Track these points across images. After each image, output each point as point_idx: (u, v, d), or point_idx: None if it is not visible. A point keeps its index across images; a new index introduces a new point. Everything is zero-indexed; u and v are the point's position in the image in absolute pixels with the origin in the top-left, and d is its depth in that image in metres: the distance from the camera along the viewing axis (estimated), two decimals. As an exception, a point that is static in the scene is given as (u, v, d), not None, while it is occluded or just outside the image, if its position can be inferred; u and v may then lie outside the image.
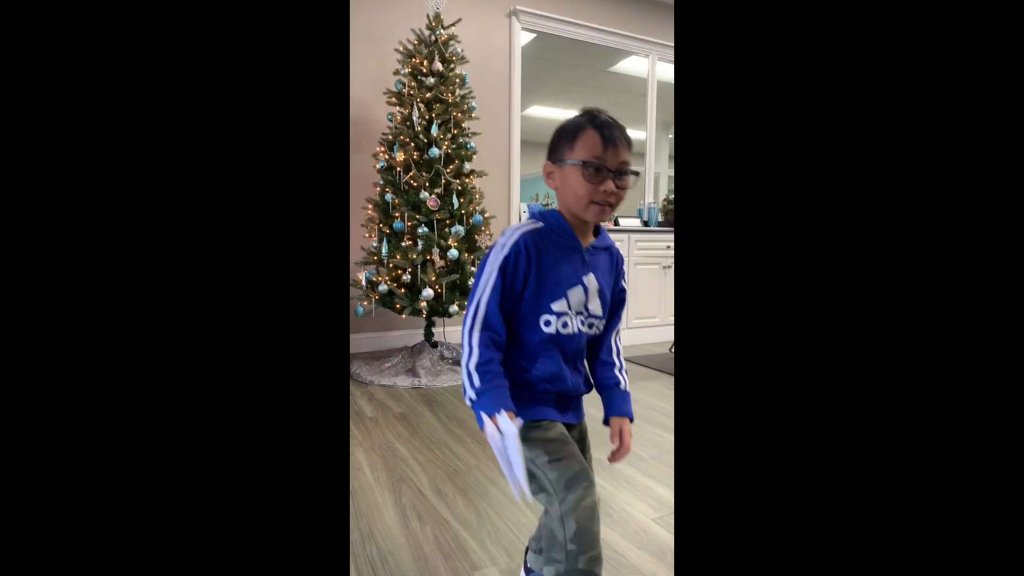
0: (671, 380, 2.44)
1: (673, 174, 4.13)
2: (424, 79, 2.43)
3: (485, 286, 0.76)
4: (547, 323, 0.79)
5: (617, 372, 0.89)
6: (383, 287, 2.33)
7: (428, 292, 2.28)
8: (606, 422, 0.86)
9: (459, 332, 3.09)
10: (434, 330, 2.67)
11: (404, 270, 2.34)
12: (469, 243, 2.52)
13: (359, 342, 2.90)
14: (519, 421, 0.71)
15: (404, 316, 2.40)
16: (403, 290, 2.36)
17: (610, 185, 0.75)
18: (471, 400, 0.73)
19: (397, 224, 2.35)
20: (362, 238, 2.74)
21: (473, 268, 2.49)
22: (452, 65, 2.49)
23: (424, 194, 2.34)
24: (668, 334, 3.36)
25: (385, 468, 1.47)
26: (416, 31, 2.52)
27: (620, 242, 3.13)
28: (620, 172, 0.75)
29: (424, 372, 2.39)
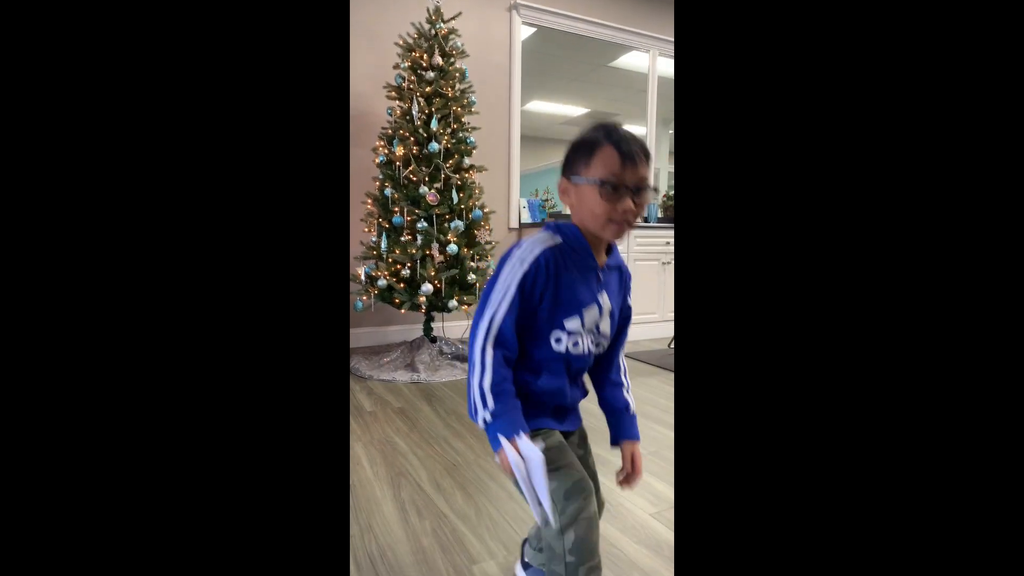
0: (669, 376, 2.45)
1: (673, 170, 4.12)
2: (424, 73, 2.42)
3: (500, 301, 0.72)
4: (558, 340, 0.77)
5: (626, 394, 0.88)
6: (382, 282, 2.33)
7: (427, 287, 2.28)
8: (614, 443, 0.85)
9: (458, 327, 3.11)
10: (433, 325, 2.67)
11: (403, 265, 2.34)
12: (468, 238, 2.51)
13: (358, 337, 2.90)
14: (540, 443, 0.68)
15: (403, 311, 2.40)
16: (402, 285, 2.35)
17: (628, 203, 0.71)
18: (485, 422, 0.70)
19: (396, 219, 2.35)
20: (361, 233, 2.74)
21: (472, 264, 2.48)
22: (452, 59, 2.48)
23: (423, 189, 2.34)
24: (667, 330, 3.36)
25: (384, 462, 1.47)
26: (416, 24, 2.51)
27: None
28: (638, 189, 0.72)
29: (423, 367, 2.39)
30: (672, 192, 4.03)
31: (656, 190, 0.74)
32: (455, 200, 2.39)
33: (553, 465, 0.75)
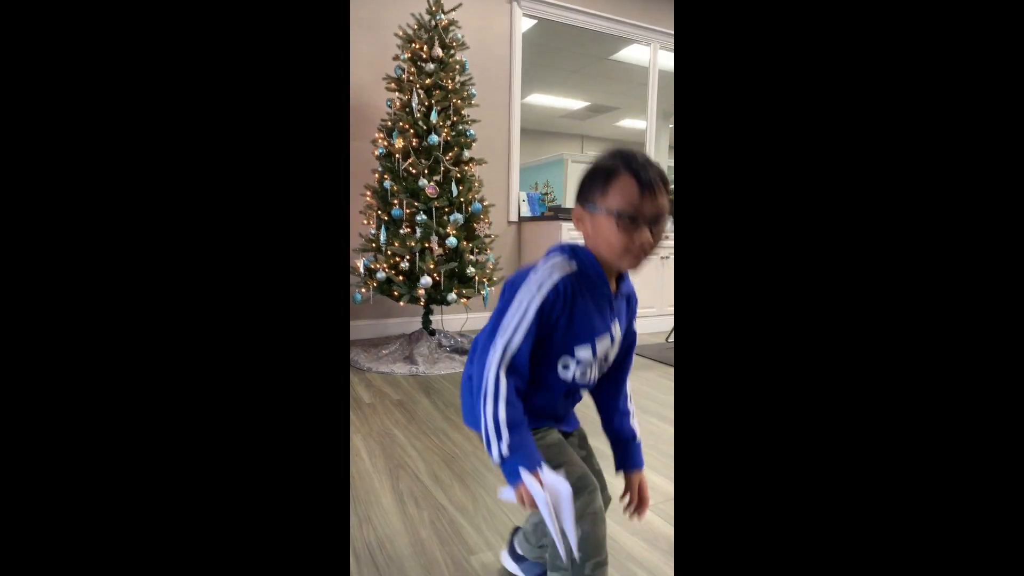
0: (667, 369, 2.46)
1: (673, 164, 4.12)
2: (424, 65, 2.41)
3: (517, 327, 0.70)
4: (566, 367, 0.77)
5: (632, 422, 0.88)
6: (381, 274, 2.33)
7: (426, 280, 2.28)
8: (618, 470, 0.86)
9: (457, 320, 3.11)
10: (432, 318, 2.67)
11: (402, 258, 2.34)
12: (468, 231, 2.51)
13: (357, 329, 2.90)
14: (562, 472, 0.67)
15: (402, 304, 2.40)
16: (401, 278, 2.35)
17: (646, 235, 0.68)
18: (501, 456, 0.66)
19: (395, 211, 2.34)
20: (360, 225, 2.73)
21: (472, 257, 2.48)
22: (452, 51, 2.47)
23: (423, 181, 2.33)
24: (665, 324, 3.37)
25: (383, 454, 1.48)
26: (416, 15, 2.49)
27: (619, 232, 3.12)
28: (656, 219, 0.69)
29: (422, 360, 2.39)
30: (672, 187, 4.02)
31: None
32: (454, 193, 2.39)
33: (555, 461, 0.75)
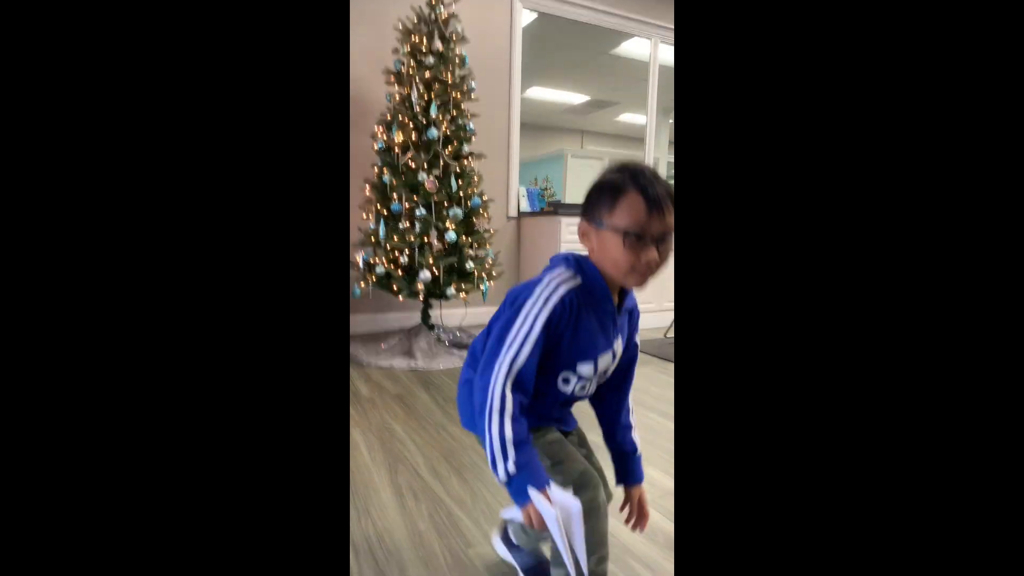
0: (664, 364, 2.46)
1: (673, 160, 4.11)
2: (423, 58, 2.39)
3: (524, 341, 0.68)
4: (566, 381, 0.77)
5: (634, 436, 0.88)
6: (380, 269, 2.33)
7: (425, 275, 2.27)
8: (619, 483, 0.86)
9: (456, 315, 3.11)
10: (431, 312, 2.67)
11: (401, 252, 2.34)
12: (467, 226, 2.51)
13: (356, 323, 2.90)
14: (570, 490, 0.66)
15: (401, 299, 2.40)
16: (400, 272, 2.35)
17: (652, 254, 0.67)
18: (508, 474, 0.65)
19: (394, 206, 2.34)
20: (359, 219, 2.73)
21: (471, 252, 2.48)
22: (452, 44, 2.45)
23: (422, 176, 2.33)
24: (663, 319, 3.38)
25: (381, 448, 1.48)
26: (415, 8, 2.48)
27: (618, 227, 3.12)
28: (663, 238, 0.68)
29: (421, 354, 2.40)
30: (672, 182, 4.02)
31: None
32: (454, 188, 2.38)
33: (557, 458, 0.76)
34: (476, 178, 2.53)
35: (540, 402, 0.76)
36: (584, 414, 0.89)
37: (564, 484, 0.72)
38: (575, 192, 3.69)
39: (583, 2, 3.40)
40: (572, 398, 0.80)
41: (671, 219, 0.68)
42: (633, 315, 0.84)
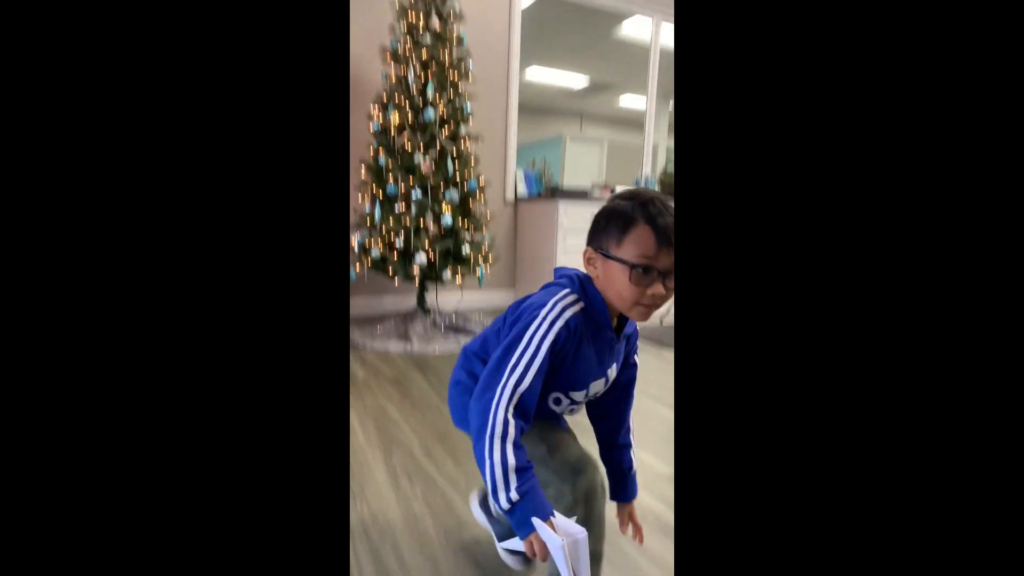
0: (657, 350, 2.48)
1: (673, 146, 4.08)
2: (420, 37, 2.35)
3: (529, 365, 0.66)
4: (556, 401, 0.77)
5: (631, 455, 0.89)
6: (376, 252, 2.31)
7: (421, 258, 2.26)
8: (613, 499, 0.87)
9: (452, 299, 3.10)
10: (427, 296, 2.67)
11: (397, 235, 2.32)
12: (464, 210, 2.49)
13: (351, 306, 2.90)
14: (575, 519, 0.65)
15: (396, 283, 2.39)
16: (396, 256, 2.34)
17: (659, 288, 0.66)
18: (511, 502, 0.62)
19: (390, 188, 2.31)
20: (354, 201, 2.70)
21: (467, 236, 2.46)
22: (449, 23, 2.41)
23: (418, 157, 2.30)
24: (659, 306, 3.38)
25: (376, 430, 1.49)
26: (412, -15, 2.43)
27: (616, 213, 3.11)
28: (671, 272, 0.66)
29: (416, 338, 2.40)
30: (670, 168, 4.00)
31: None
32: (450, 170, 2.36)
33: (551, 443, 0.77)
34: (473, 161, 2.50)
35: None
36: (582, 427, 0.89)
37: (563, 467, 0.73)
38: (574, 176, 3.67)
39: (584, -18, 3.34)
40: (560, 416, 0.81)
41: None
42: (631, 339, 0.83)
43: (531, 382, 0.66)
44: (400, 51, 2.38)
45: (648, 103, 3.85)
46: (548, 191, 3.24)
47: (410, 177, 2.33)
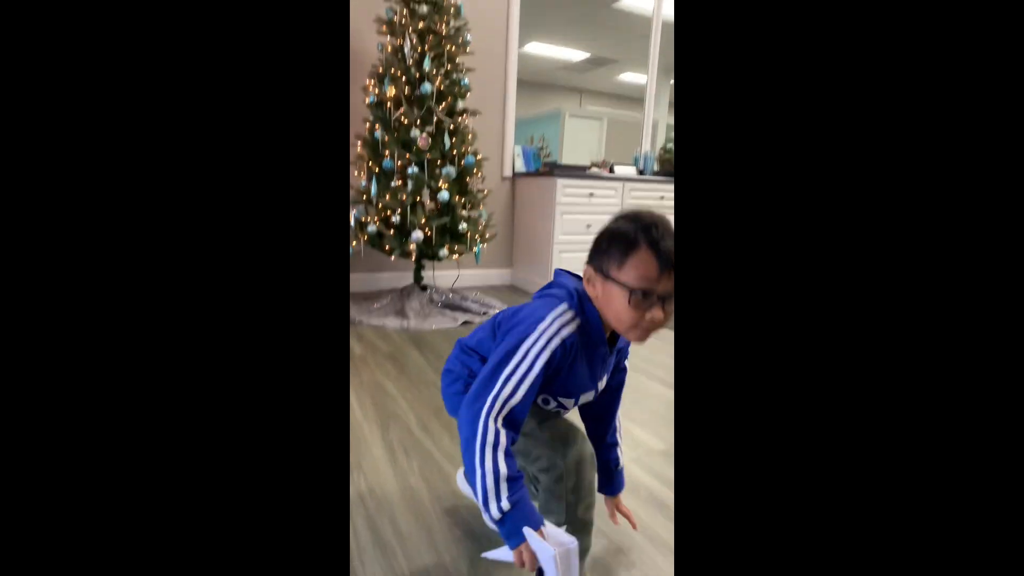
0: (656, 329, 2.49)
1: (673, 122, 4.03)
2: (417, 7, 2.29)
3: (521, 380, 0.67)
4: (546, 401, 0.80)
5: (619, 452, 0.93)
6: (372, 228, 2.30)
7: (418, 235, 2.25)
8: (601, 492, 0.90)
9: (449, 276, 3.10)
10: (423, 273, 2.66)
11: (393, 211, 2.30)
12: (460, 186, 2.47)
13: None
14: (564, 526, 0.66)
15: (393, 259, 2.38)
16: (392, 232, 2.32)
17: (657, 313, 0.66)
18: (501, 512, 0.63)
19: (386, 163, 2.29)
20: (351, 176, 2.67)
21: (464, 212, 2.45)
22: (447, -8, 2.34)
23: (415, 132, 2.27)
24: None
25: (373, 405, 1.50)
26: (409, -48, 2.35)
27: (614, 191, 3.08)
28: (670, 296, 0.66)
29: (413, 314, 2.40)
30: (670, 145, 3.96)
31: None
32: (447, 145, 2.33)
33: (539, 417, 0.78)
34: (470, 136, 2.47)
35: None
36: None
37: (554, 439, 0.75)
38: (572, 153, 3.62)
39: (585, -50, 3.24)
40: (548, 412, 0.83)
41: None
42: (624, 350, 0.86)
43: (523, 397, 0.67)
44: (396, 21, 2.32)
45: (649, 79, 3.79)
46: (546, 167, 3.21)
47: (407, 152, 2.30)
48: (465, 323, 2.40)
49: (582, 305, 0.73)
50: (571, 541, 0.61)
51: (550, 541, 0.61)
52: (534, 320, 0.71)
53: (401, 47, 2.29)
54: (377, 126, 2.33)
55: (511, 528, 0.63)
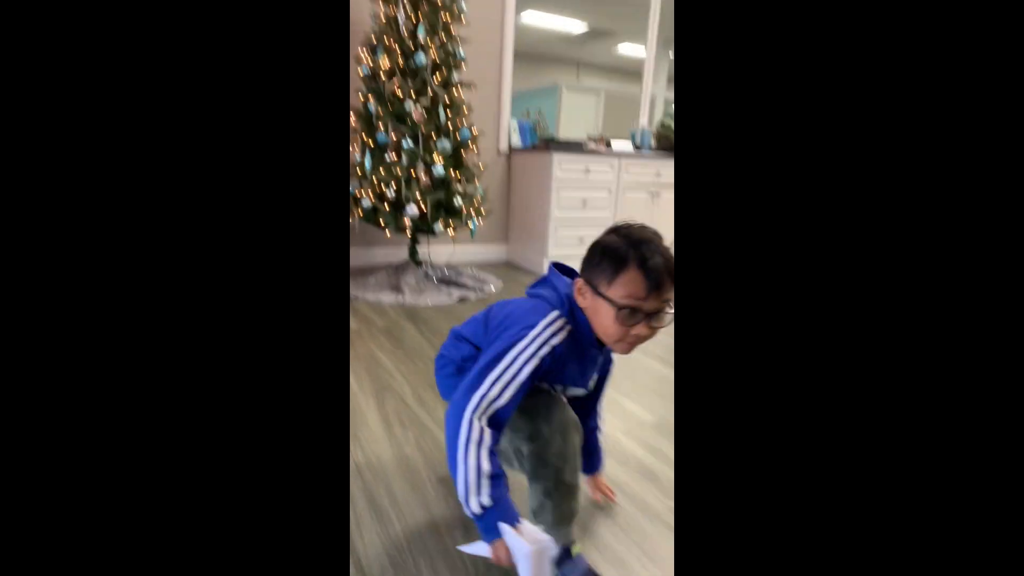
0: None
1: (673, 97, 3.97)
2: (410, -26, 2.23)
3: (508, 384, 0.70)
4: (536, 384, 0.81)
5: (600, 435, 0.99)
6: (366, 203, 2.28)
7: (412, 210, 2.24)
8: (583, 472, 0.94)
9: (444, 251, 3.09)
10: (419, 248, 2.66)
11: (388, 185, 2.28)
12: (456, 160, 2.44)
13: (343, 258, 2.88)
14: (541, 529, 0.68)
15: (388, 234, 2.37)
16: (387, 207, 2.31)
17: (642, 329, 0.69)
18: (482, 507, 0.66)
19: (380, 136, 2.25)
20: (344, 150, 2.64)
21: (459, 187, 2.43)
22: (441, -41, 2.28)
23: (409, 105, 2.23)
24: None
25: (369, 378, 1.52)
26: (402, -84, 2.27)
27: (611, 167, 3.06)
28: (657, 313, 0.69)
29: (408, 289, 2.41)
30: (667, 121, 3.91)
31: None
32: (442, 118, 2.30)
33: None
34: (466, 109, 2.43)
35: None
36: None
37: (537, 405, 0.77)
38: (569, 127, 3.58)
39: (585, -84, 3.13)
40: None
41: (668, 295, 0.69)
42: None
43: (508, 400, 0.70)
44: (389, -11, 2.26)
45: (648, 51, 3.72)
46: (543, 142, 3.18)
47: (401, 125, 2.26)
48: (461, 299, 2.40)
49: (573, 314, 0.76)
50: (547, 540, 0.63)
51: (526, 539, 0.63)
52: (525, 325, 0.73)
53: (395, 16, 2.24)
54: (371, 97, 2.29)
55: (489, 523, 0.66)
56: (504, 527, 0.65)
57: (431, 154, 2.29)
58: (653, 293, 0.67)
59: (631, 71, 3.75)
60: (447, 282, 2.61)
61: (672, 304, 0.70)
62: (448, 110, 2.33)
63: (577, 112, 3.65)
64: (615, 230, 0.72)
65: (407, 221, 2.28)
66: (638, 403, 1.45)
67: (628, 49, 3.72)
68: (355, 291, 2.38)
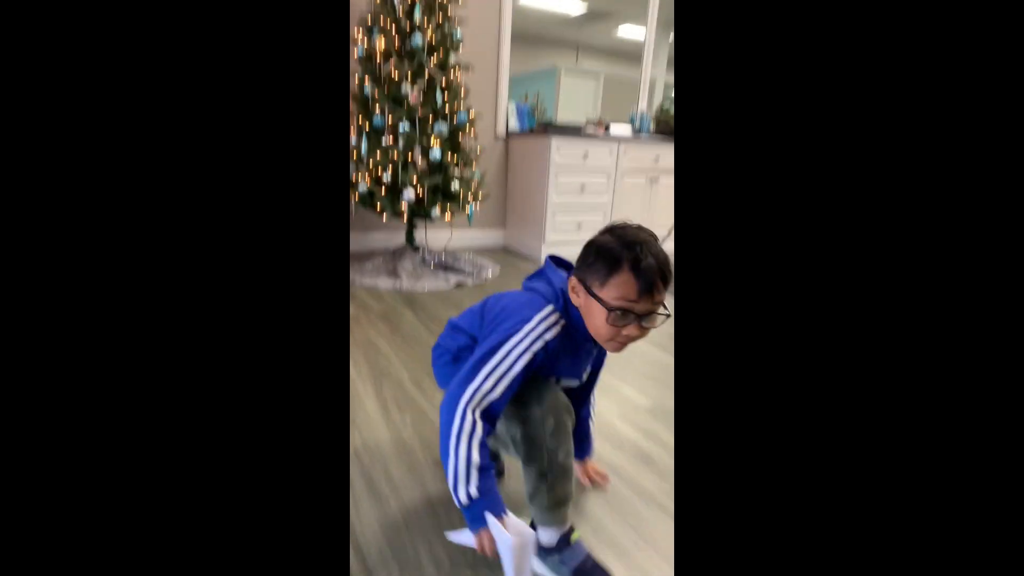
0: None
1: (672, 80, 3.93)
2: (406, -48, 2.18)
3: (501, 378, 0.71)
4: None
5: (591, 423, 1.00)
6: (363, 187, 2.26)
7: (409, 194, 2.22)
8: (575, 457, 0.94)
9: (442, 236, 3.07)
10: (416, 233, 2.65)
11: (384, 170, 2.26)
12: (453, 144, 2.42)
13: (339, 242, 2.87)
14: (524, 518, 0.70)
15: (385, 219, 2.36)
16: (384, 191, 2.29)
17: (633, 330, 0.70)
18: (469, 497, 0.68)
19: (376, 120, 2.23)
20: (340, 133, 2.61)
21: (457, 171, 2.41)
22: (438, -64, 2.23)
23: (406, 87, 2.20)
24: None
25: (367, 363, 1.52)
26: None
27: (609, 151, 3.04)
28: (648, 315, 0.70)
29: (406, 275, 2.40)
30: (666, 105, 3.87)
31: (668, 315, 0.71)
32: (439, 101, 2.27)
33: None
34: (463, 92, 2.40)
35: None
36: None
37: (531, 388, 0.77)
38: (568, 111, 3.54)
39: None
40: None
41: (661, 298, 0.69)
42: None
43: (501, 393, 0.71)
44: (385, -33, 2.21)
45: (648, 33, 3.67)
46: (541, 126, 3.15)
47: (397, 108, 2.24)
48: (458, 285, 2.40)
49: (567, 309, 0.76)
50: (529, 534, 0.65)
51: (510, 530, 0.65)
52: (520, 319, 0.74)
53: (390, -4, 2.20)
54: (367, 79, 2.26)
55: (476, 513, 0.68)
56: (490, 518, 0.67)
57: (428, 137, 2.27)
58: (645, 295, 0.68)
59: (631, 54, 3.71)
60: (444, 267, 2.60)
61: (664, 306, 0.71)
62: (445, 93, 2.31)
63: (576, 95, 3.61)
64: (610, 230, 0.73)
65: (404, 205, 2.26)
66: (634, 388, 1.46)
67: (628, 31, 3.67)
68: (352, 276, 2.38)
